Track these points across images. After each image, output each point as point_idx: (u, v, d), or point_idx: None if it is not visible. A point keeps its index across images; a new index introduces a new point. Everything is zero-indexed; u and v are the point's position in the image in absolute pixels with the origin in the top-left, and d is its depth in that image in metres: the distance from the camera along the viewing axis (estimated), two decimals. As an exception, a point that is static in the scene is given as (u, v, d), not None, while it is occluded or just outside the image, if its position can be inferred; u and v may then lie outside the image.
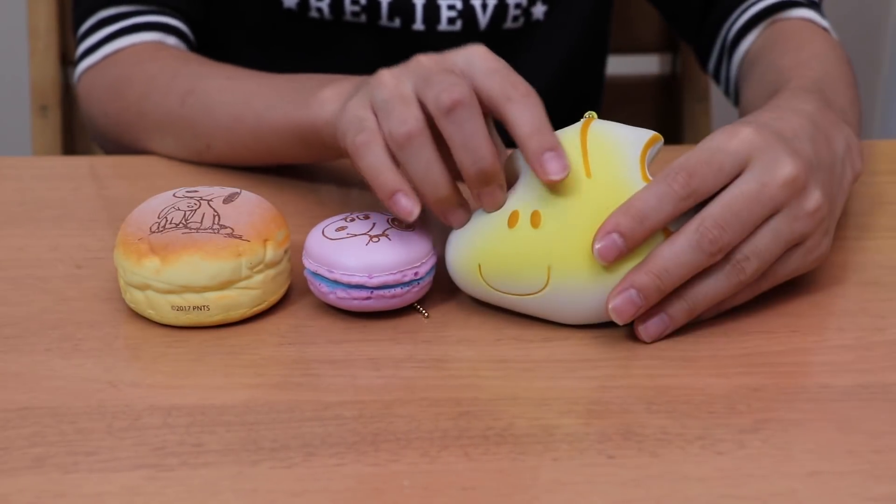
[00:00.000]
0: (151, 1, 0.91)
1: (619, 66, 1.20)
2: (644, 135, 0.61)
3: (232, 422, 0.54)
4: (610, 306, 0.58)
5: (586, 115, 0.62)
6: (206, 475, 0.51)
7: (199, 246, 0.60)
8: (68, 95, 1.16)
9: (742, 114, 0.88)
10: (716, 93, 1.14)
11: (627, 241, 0.58)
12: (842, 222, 0.75)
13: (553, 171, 0.58)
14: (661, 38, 1.24)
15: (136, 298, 0.61)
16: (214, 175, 0.81)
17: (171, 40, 0.91)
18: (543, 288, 0.60)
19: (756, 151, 0.60)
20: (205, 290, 0.60)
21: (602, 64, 1.09)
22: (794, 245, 0.61)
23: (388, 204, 0.60)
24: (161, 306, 0.61)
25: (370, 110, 0.61)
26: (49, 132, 1.16)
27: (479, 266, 0.61)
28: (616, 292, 0.58)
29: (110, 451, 0.52)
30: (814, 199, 0.61)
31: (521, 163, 0.61)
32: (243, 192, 0.65)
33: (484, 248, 0.60)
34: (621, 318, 0.59)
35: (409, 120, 0.59)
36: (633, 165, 0.60)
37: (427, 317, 0.63)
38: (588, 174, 0.59)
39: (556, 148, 0.59)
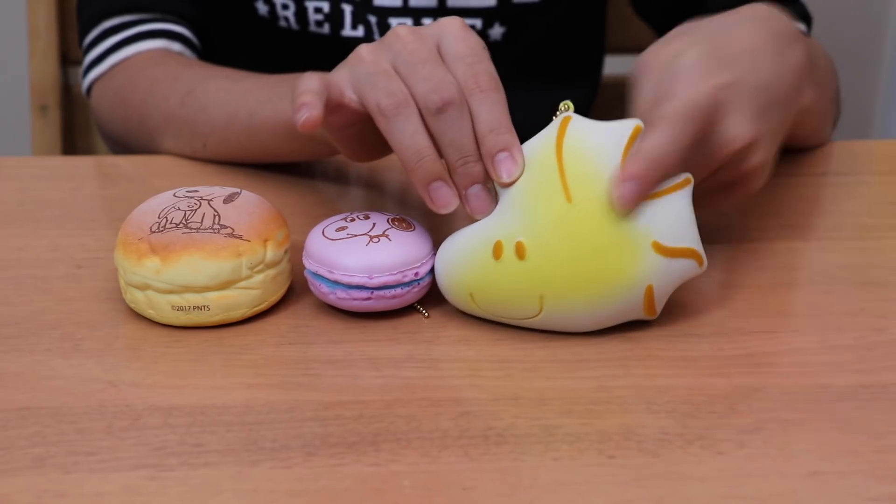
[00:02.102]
0: (155, 9, 0.92)
1: (617, 66, 1.20)
2: (623, 134, 0.59)
3: (232, 422, 0.54)
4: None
5: (562, 106, 0.61)
6: (207, 475, 0.50)
7: (199, 246, 0.60)
8: (68, 95, 1.16)
9: None
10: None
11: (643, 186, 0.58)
12: (842, 222, 0.75)
13: (503, 173, 0.59)
14: (659, 38, 1.24)
15: (137, 298, 0.61)
16: (215, 175, 0.81)
17: (177, 46, 0.91)
18: (538, 314, 0.60)
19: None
20: (205, 290, 0.60)
21: (593, 71, 1.08)
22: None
23: (295, 113, 0.60)
24: (161, 306, 0.61)
25: (347, 81, 0.62)
26: (49, 132, 1.16)
27: (471, 294, 0.61)
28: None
29: (110, 451, 0.52)
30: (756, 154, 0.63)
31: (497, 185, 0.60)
32: (243, 192, 0.65)
33: (473, 278, 0.60)
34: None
35: (395, 92, 0.59)
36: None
37: (427, 317, 0.63)
38: (568, 199, 0.58)
39: (510, 148, 0.59)
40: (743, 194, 0.66)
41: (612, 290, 0.59)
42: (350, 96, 0.61)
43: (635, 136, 0.59)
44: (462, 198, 0.60)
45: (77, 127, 1.18)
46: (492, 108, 0.59)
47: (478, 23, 0.94)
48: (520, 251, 0.58)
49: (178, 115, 0.83)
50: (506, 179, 0.59)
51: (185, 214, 0.62)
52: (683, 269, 0.60)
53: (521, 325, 0.61)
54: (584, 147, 0.59)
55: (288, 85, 0.76)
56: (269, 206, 0.64)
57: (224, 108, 0.80)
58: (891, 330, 0.62)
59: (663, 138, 0.58)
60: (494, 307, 0.61)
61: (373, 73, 0.60)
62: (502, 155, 0.59)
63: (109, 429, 0.53)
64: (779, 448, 0.53)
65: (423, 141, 0.59)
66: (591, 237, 0.58)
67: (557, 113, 0.60)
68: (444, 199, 0.60)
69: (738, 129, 0.62)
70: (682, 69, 0.62)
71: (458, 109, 0.59)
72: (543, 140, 0.60)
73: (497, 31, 0.95)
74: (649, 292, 0.59)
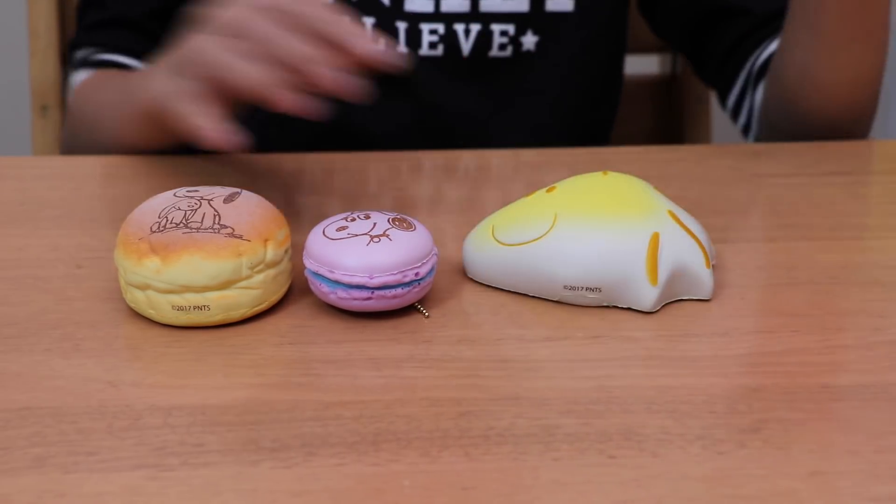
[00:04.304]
0: (123, 48, 0.98)
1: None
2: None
3: (232, 422, 0.54)
4: None
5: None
6: (207, 475, 0.51)
7: (199, 246, 0.60)
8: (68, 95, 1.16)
9: (762, 118, 0.93)
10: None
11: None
12: (842, 222, 0.75)
13: (367, 46, 0.63)
14: (661, 38, 1.24)
15: (137, 298, 0.61)
16: (215, 175, 0.81)
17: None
18: (548, 232, 0.63)
19: None
20: (205, 290, 0.60)
21: (615, 86, 1.08)
22: None
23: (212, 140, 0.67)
24: (161, 306, 0.61)
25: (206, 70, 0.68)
26: (49, 132, 1.16)
27: (493, 227, 0.65)
28: None
29: (111, 451, 0.52)
30: None
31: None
32: (244, 191, 0.65)
33: (500, 213, 0.66)
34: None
35: (234, 17, 0.67)
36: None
37: (427, 317, 0.63)
38: (605, 173, 0.65)
39: (352, 26, 0.64)
40: None
41: (621, 217, 0.62)
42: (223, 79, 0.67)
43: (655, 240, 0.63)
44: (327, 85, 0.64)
45: (77, 127, 1.18)
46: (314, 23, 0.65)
47: (511, 28, 0.94)
48: (550, 189, 0.65)
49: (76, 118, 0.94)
50: (370, 49, 0.63)
51: (185, 214, 0.62)
52: (691, 250, 0.63)
53: (526, 257, 0.63)
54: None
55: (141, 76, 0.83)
56: (270, 206, 0.64)
57: (92, 108, 0.90)
58: (891, 330, 0.62)
59: None
60: (510, 232, 0.64)
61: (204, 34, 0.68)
62: (360, 35, 0.64)
63: (110, 429, 0.53)
64: (779, 448, 0.53)
65: (264, 72, 0.65)
66: (616, 188, 0.64)
67: None
68: (289, 101, 0.64)
69: None
70: None
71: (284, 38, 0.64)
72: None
73: (530, 40, 0.96)
74: (654, 241, 0.62)
